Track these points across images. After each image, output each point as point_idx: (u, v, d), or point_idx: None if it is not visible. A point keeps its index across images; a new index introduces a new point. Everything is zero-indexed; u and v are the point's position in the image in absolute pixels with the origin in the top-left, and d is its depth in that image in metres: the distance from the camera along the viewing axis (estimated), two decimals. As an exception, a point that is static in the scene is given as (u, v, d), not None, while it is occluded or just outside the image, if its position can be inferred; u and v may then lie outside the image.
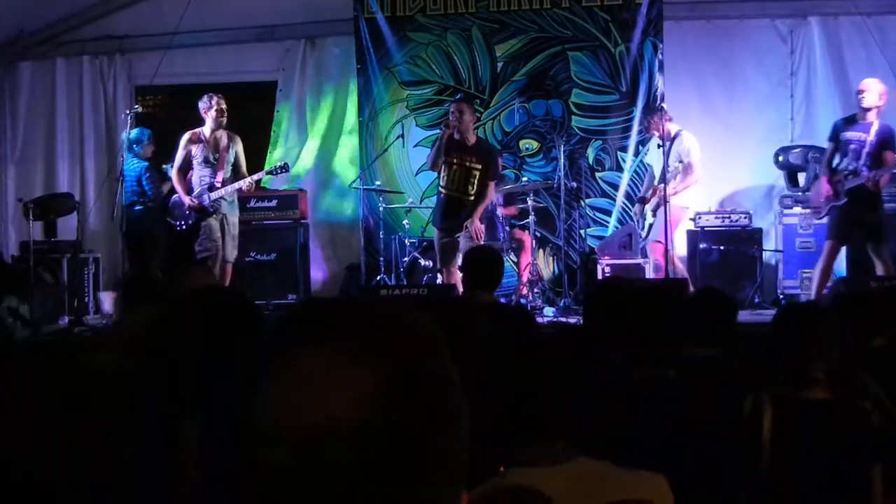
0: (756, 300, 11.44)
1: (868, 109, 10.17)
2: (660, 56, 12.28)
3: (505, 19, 12.67)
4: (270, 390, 1.11)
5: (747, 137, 12.50)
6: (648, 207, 11.30)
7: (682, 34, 12.67)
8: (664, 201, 10.45)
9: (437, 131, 12.48)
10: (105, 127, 13.98)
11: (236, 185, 10.84)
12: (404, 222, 12.23)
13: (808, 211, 11.28)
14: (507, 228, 11.69)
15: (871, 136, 10.09)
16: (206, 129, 10.99)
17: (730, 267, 11.64)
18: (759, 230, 11.89)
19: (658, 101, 11.95)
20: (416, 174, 12.95)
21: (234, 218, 11.07)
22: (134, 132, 11.85)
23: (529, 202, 11.54)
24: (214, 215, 10.86)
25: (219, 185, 10.85)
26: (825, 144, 10.75)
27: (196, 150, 10.97)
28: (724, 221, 11.82)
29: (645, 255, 11.37)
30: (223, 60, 13.86)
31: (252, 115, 14.18)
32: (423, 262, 11.64)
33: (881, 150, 10.07)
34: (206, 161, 10.91)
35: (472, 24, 12.74)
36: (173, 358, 2.55)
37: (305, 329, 1.17)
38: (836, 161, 10.35)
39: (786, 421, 3.92)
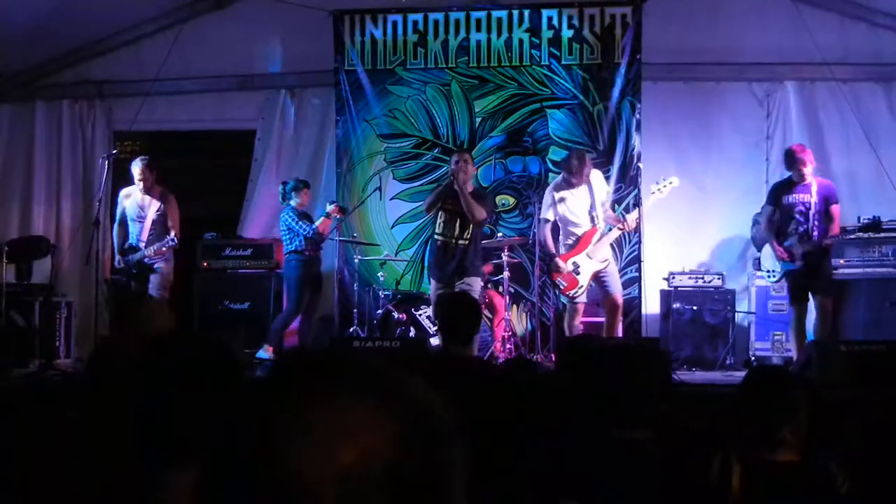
0: (728, 361, 11.47)
1: (805, 173, 10.42)
2: (637, 116, 12.36)
3: (484, 75, 12.76)
4: (301, 439, 1.13)
5: (722, 199, 12.58)
6: (584, 255, 10.85)
7: (660, 95, 12.77)
8: (638, 236, 10.44)
9: (415, 185, 12.59)
10: (83, 171, 13.95)
11: (149, 250, 11.23)
12: (379, 275, 12.22)
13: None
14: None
15: (814, 198, 10.31)
16: (136, 190, 11.46)
17: (702, 327, 11.68)
18: (732, 291, 11.96)
19: (635, 161, 12.02)
20: (392, 227, 12.96)
21: (161, 265, 11.40)
22: (290, 183, 12.12)
23: (504, 258, 11.55)
24: (139, 274, 11.33)
25: (143, 244, 11.28)
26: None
27: (129, 207, 11.42)
28: (697, 282, 11.88)
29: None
30: (203, 108, 13.92)
31: (230, 162, 14.22)
32: (396, 315, 11.60)
33: (826, 207, 10.33)
34: (134, 219, 11.38)
35: (451, 79, 12.82)
36: (145, 404, 2.54)
37: (332, 379, 1.20)
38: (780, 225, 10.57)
39: (754, 482, 3.92)
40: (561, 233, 11.08)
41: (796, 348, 10.42)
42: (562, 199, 10.98)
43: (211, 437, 1.23)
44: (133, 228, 11.34)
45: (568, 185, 10.94)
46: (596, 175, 11.10)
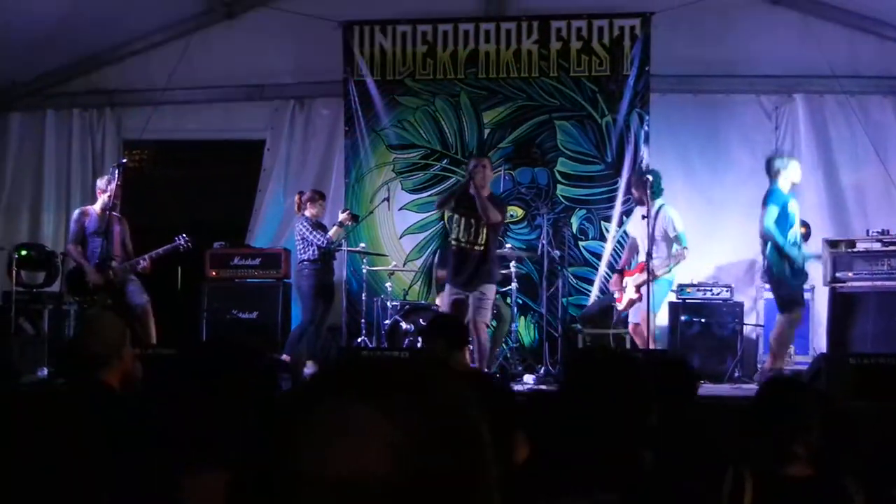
0: (736, 374, 11.43)
1: None
2: (646, 128, 12.38)
3: (493, 86, 12.78)
4: (306, 440, 1.14)
5: (730, 211, 12.55)
6: (631, 281, 11.14)
7: (669, 107, 12.77)
8: (649, 278, 10.42)
9: (423, 195, 12.59)
10: (92, 179, 13.89)
11: (144, 261, 11.10)
12: (387, 285, 12.23)
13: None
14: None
15: None
16: (96, 206, 11.25)
17: (710, 340, 11.65)
18: (741, 304, 11.91)
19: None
20: (401, 237, 12.97)
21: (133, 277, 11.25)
22: (306, 193, 12.20)
23: (512, 269, 11.56)
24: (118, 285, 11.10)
25: (117, 256, 11.08)
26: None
27: (88, 224, 11.16)
28: (705, 294, 11.84)
29: (626, 326, 11.37)
30: (212, 118, 13.93)
31: (239, 172, 14.23)
32: (404, 325, 11.57)
33: None
34: (96, 233, 11.08)
35: (460, 90, 12.84)
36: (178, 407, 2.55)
37: (343, 383, 1.20)
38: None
39: (766, 496, 3.91)
40: None
41: (779, 358, 10.47)
42: (630, 216, 11.24)
43: (234, 441, 1.25)
44: (96, 243, 11.08)
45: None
46: (665, 212, 10.95)
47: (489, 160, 10.86)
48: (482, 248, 10.30)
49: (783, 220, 10.26)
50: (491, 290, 10.38)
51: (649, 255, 10.59)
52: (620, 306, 11.27)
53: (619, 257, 12.10)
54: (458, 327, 6.42)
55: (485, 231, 10.28)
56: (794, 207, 10.36)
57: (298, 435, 1.15)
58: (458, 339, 6.29)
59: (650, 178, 10.81)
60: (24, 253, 12.21)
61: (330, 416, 1.15)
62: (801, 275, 10.48)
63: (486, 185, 10.41)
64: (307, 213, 11.90)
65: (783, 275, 10.40)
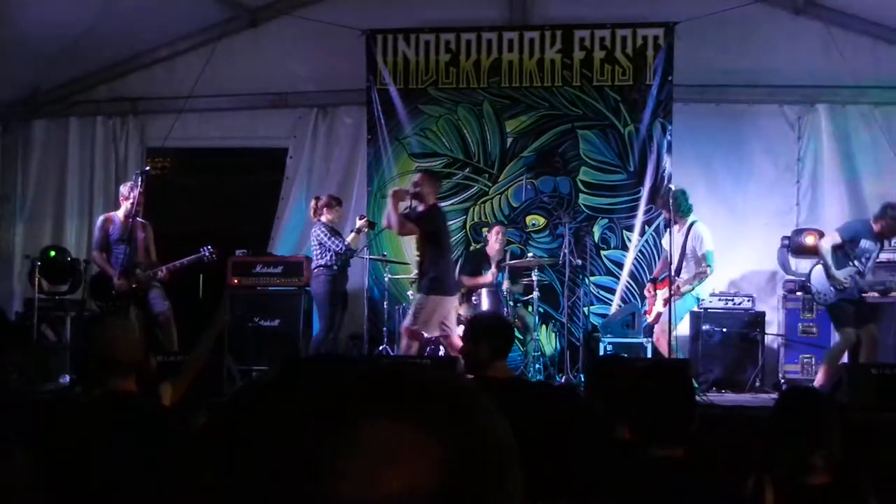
0: (757, 384, 11.41)
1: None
2: (668, 137, 12.38)
3: (516, 95, 12.80)
4: (346, 462, 1.09)
5: (752, 221, 12.55)
6: (660, 294, 11.18)
7: (691, 116, 12.76)
8: (672, 294, 10.49)
9: (446, 204, 12.60)
10: (115, 187, 13.91)
11: (165, 269, 11.16)
12: (409, 293, 12.22)
13: (809, 296, 11.28)
14: (512, 303, 11.72)
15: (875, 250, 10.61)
16: (119, 213, 11.26)
17: (732, 349, 11.62)
18: (762, 314, 11.88)
19: (665, 182, 12.02)
20: (423, 245, 12.98)
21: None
22: (322, 198, 12.22)
23: (534, 278, 11.56)
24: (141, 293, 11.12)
25: (141, 263, 11.11)
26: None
27: (112, 231, 11.18)
28: (727, 304, 11.82)
29: (648, 335, 11.36)
30: (235, 125, 14.00)
31: (262, 180, 14.27)
32: (426, 333, 11.59)
33: None
34: (120, 240, 11.08)
35: (483, 99, 12.86)
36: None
37: (377, 398, 1.15)
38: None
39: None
40: None
41: (827, 373, 10.37)
42: (657, 225, 11.25)
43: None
44: (118, 250, 11.10)
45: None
46: (696, 229, 11.12)
47: (430, 177, 11.00)
48: (417, 257, 10.51)
49: (843, 250, 10.34)
50: (427, 301, 10.30)
51: (676, 271, 10.64)
52: (650, 318, 11.36)
53: (642, 266, 12.19)
54: (505, 331, 6.23)
55: (422, 242, 10.43)
56: (867, 247, 10.40)
57: (339, 456, 1.09)
58: (504, 346, 6.11)
59: (672, 188, 10.86)
60: (48, 257, 12.31)
61: (374, 436, 1.10)
62: (848, 296, 10.46)
63: (428, 199, 10.45)
64: (323, 218, 11.92)
65: (828, 297, 10.46)
